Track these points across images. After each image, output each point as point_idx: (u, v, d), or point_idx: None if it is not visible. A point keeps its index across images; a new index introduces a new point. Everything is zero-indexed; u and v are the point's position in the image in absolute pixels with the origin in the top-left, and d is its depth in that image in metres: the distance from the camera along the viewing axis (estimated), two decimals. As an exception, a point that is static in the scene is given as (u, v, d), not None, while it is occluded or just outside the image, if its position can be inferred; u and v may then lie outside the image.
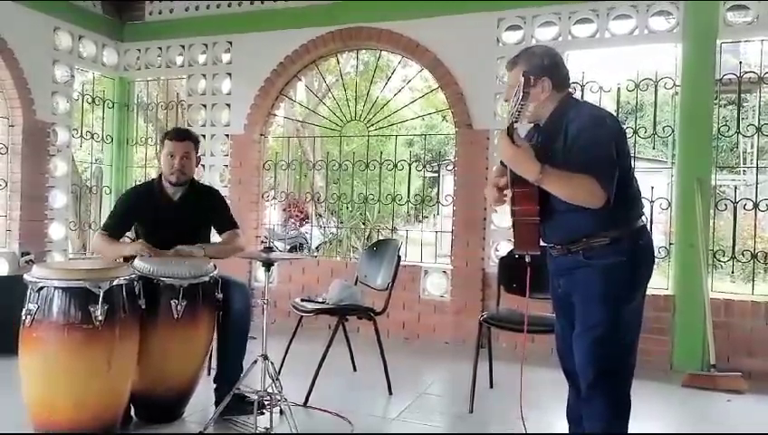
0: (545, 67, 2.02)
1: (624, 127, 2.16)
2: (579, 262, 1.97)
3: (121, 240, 3.05)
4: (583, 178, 1.83)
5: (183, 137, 3.02)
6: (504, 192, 2.04)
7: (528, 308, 2.31)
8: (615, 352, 1.94)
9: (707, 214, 4.02)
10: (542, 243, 2.07)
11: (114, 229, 2.98)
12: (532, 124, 2.16)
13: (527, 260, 2.06)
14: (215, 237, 3.18)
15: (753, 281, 4.25)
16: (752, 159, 10.25)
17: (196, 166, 3.09)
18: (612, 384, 1.94)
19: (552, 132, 1.99)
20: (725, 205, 4.19)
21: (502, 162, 2.24)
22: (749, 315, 3.92)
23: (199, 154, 3.13)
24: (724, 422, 3.12)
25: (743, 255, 4.16)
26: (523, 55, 2.11)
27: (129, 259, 2.80)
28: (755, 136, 4.22)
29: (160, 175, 3.05)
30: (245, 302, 2.88)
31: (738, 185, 7.04)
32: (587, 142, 1.88)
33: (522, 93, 1.81)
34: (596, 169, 1.83)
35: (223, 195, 3.33)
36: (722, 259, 4.26)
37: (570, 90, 2.10)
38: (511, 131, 1.91)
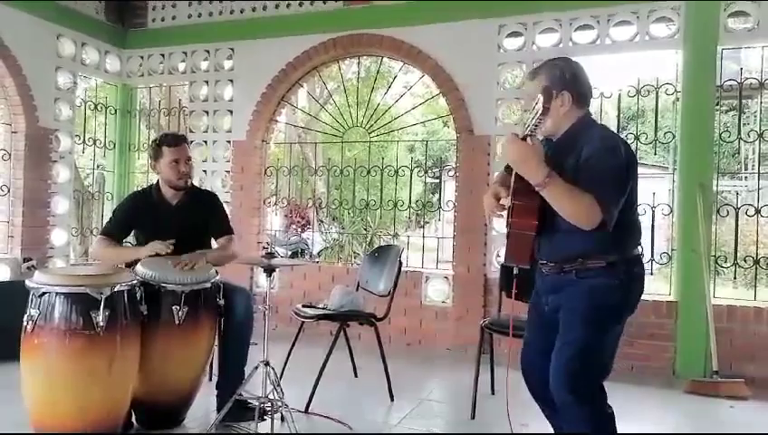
0: (566, 81, 1.99)
1: (635, 155, 2.08)
2: (570, 280, 1.96)
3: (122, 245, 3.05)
4: (586, 197, 1.80)
5: (180, 141, 3.02)
6: (501, 201, 2.03)
7: (519, 313, 2.30)
8: (592, 372, 1.92)
9: (709, 220, 4.01)
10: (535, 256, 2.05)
11: (114, 234, 2.98)
12: (543, 138, 2.12)
13: (515, 272, 2.06)
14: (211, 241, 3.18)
15: (756, 287, 4.24)
16: (753, 165, 10.29)
17: None
18: (587, 401, 1.91)
19: (565, 149, 1.96)
20: (727, 210, 4.19)
21: (506, 168, 2.23)
22: (752, 321, 3.91)
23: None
24: (728, 429, 3.10)
25: (745, 260, 4.16)
26: (544, 67, 2.07)
27: (130, 265, 2.81)
28: (757, 142, 4.22)
29: (158, 181, 3.05)
30: (247, 307, 2.88)
31: (740, 191, 7.05)
32: (598, 164, 1.85)
33: (542, 108, 1.77)
34: (601, 192, 1.81)
35: (221, 200, 3.33)
36: (724, 265, 4.26)
37: (589, 108, 2.06)
38: (524, 139, 1.88)
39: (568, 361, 1.91)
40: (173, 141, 2.99)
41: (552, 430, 2.16)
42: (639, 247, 2.01)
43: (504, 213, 2.07)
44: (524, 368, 2.16)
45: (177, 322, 2.60)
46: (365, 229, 8.40)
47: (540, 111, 1.79)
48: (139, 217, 3.01)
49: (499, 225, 4.51)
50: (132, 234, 3.10)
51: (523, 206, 1.94)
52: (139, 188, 3.42)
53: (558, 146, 2.02)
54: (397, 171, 5.12)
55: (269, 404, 2.65)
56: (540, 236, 1.99)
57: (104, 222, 5.70)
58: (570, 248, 1.94)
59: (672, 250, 4.22)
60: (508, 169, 2.27)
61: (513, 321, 2.60)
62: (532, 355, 2.14)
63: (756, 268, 4.13)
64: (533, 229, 1.95)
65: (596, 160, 1.86)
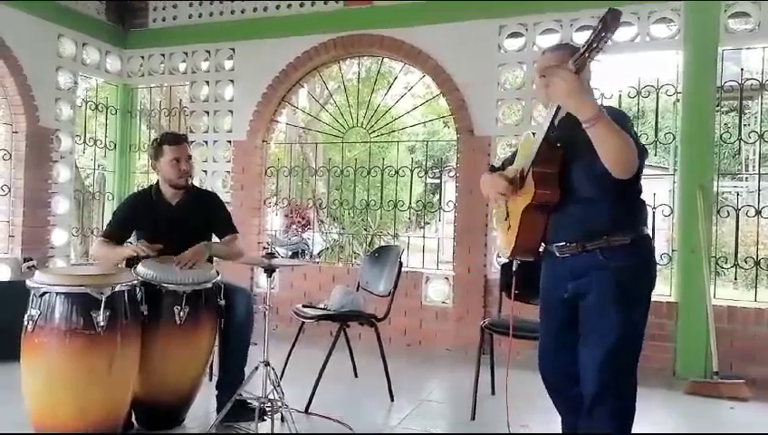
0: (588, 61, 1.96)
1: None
2: (596, 262, 1.87)
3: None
4: (628, 137, 1.74)
5: (181, 139, 3.03)
6: (510, 176, 1.98)
7: (520, 313, 2.29)
8: (628, 358, 1.89)
9: (710, 221, 4.01)
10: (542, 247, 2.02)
11: (114, 236, 2.97)
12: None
13: (514, 269, 2.04)
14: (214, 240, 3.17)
15: (756, 288, 4.24)
16: (754, 166, 10.29)
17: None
18: (621, 392, 1.88)
19: (574, 123, 1.85)
20: (728, 211, 4.19)
21: (491, 168, 2.23)
22: (752, 322, 3.91)
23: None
24: (728, 430, 3.10)
25: (745, 261, 4.16)
26: (568, 44, 2.10)
27: (131, 265, 2.81)
28: (757, 143, 4.22)
29: (157, 181, 3.05)
30: (248, 307, 2.88)
31: (740, 192, 7.05)
32: (620, 125, 1.80)
33: (608, 27, 1.66)
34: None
35: (222, 199, 3.33)
36: (724, 266, 4.26)
37: None
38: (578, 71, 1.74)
39: (606, 353, 1.85)
40: (173, 140, 2.99)
41: (558, 430, 2.15)
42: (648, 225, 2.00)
43: (507, 197, 2.04)
44: (543, 367, 2.12)
45: (177, 322, 2.60)
46: (365, 230, 8.40)
47: (602, 33, 1.66)
48: (139, 217, 3.00)
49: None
50: (134, 234, 3.09)
51: (545, 174, 1.86)
52: (139, 189, 3.42)
53: (566, 119, 1.93)
54: (397, 172, 5.12)
55: (269, 404, 2.65)
56: (555, 214, 1.93)
57: (104, 222, 5.73)
58: (592, 223, 1.88)
59: (672, 251, 4.22)
60: (493, 168, 2.28)
61: (512, 321, 2.60)
62: (550, 353, 2.09)
63: (757, 269, 4.13)
64: (556, 199, 1.89)
65: (618, 124, 1.80)
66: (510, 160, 2.29)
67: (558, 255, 1.98)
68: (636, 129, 4.58)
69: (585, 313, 1.93)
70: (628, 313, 1.87)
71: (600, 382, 1.86)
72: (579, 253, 1.91)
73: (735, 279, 4.73)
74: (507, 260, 2.07)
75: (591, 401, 1.89)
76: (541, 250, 2.09)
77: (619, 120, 1.84)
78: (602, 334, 1.87)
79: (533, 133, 2.04)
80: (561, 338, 2.04)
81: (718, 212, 4.17)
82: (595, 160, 1.79)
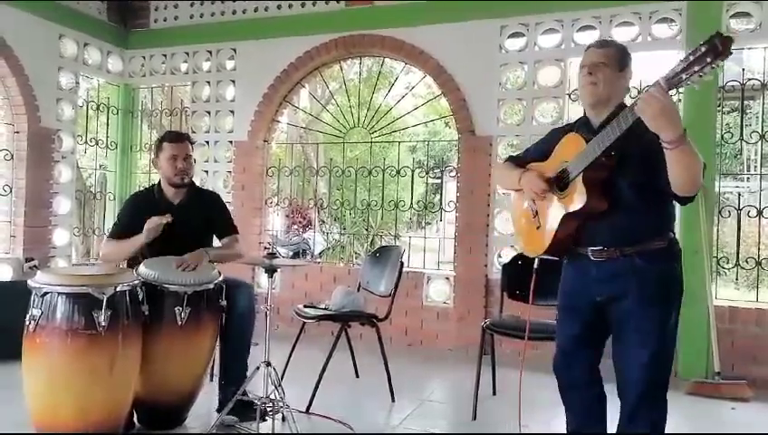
0: (630, 66, 1.99)
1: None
2: (635, 266, 1.87)
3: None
4: (702, 161, 1.72)
5: (182, 138, 3.04)
6: (548, 176, 1.95)
7: (531, 315, 2.29)
8: (669, 360, 1.93)
9: (711, 221, 4.01)
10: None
11: (121, 236, 2.98)
12: (577, 121, 2.09)
13: (535, 266, 2.03)
14: (215, 242, 3.17)
15: (758, 288, 4.24)
16: (756, 166, 10.26)
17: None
18: (660, 396, 1.92)
19: (626, 134, 1.80)
20: (729, 212, 4.18)
21: (509, 158, 2.20)
22: (753, 323, 3.90)
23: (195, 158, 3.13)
24: (729, 430, 3.10)
25: (747, 262, 4.15)
26: (615, 43, 2.11)
27: (133, 265, 2.81)
28: (759, 143, 4.21)
29: (159, 181, 3.05)
30: (249, 301, 2.88)
31: (742, 192, 7.02)
32: None
33: (724, 53, 1.54)
34: None
35: (224, 199, 3.33)
36: (726, 266, 4.25)
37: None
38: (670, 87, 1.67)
39: (651, 354, 1.86)
40: (175, 138, 3.02)
41: (558, 429, 2.14)
42: None
43: (541, 197, 2.00)
44: (559, 366, 2.12)
45: (179, 323, 2.60)
46: (366, 230, 8.40)
47: (708, 58, 1.57)
48: (142, 216, 3.00)
49: (501, 225, 4.52)
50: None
51: (598, 184, 1.83)
52: (141, 189, 3.42)
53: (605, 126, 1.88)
54: (398, 172, 5.12)
55: (270, 404, 2.65)
56: (595, 220, 1.89)
57: (106, 222, 5.75)
58: (630, 229, 1.87)
59: (674, 251, 4.21)
60: (511, 158, 2.26)
61: (510, 321, 2.60)
62: (569, 353, 2.09)
63: (758, 270, 4.13)
64: (603, 209, 1.85)
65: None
66: (534, 154, 2.21)
67: (593, 258, 1.95)
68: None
69: (623, 316, 1.93)
70: (669, 314, 1.89)
71: (646, 384, 1.89)
72: (616, 257, 1.91)
73: (737, 279, 4.72)
74: (536, 257, 2.06)
75: (636, 401, 1.91)
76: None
77: None
78: (646, 337, 1.88)
79: (583, 137, 1.93)
80: (582, 339, 2.05)
81: (720, 212, 4.16)
82: (640, 173, 1.82)
